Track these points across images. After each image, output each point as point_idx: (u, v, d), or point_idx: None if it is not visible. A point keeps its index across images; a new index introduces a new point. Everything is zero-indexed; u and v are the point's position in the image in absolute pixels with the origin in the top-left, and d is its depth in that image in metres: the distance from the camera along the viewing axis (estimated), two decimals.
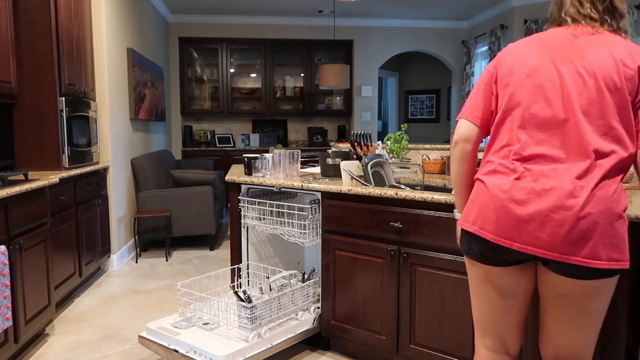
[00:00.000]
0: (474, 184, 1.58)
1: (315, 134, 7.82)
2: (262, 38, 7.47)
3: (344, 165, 2.62)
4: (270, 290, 2.68)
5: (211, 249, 5.02)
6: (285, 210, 2.81)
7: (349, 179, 2.59)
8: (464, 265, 2.16)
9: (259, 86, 7.58)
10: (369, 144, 3.10)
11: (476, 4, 6.76)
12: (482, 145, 1.77)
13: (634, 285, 1.74)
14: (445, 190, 2.77)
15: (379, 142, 3.38)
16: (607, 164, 1.39)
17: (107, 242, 4.21)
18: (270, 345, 2.46)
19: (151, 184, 4.89)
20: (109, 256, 4.29)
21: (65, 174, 3.31)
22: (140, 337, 2.56)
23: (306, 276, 2.85)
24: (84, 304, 3.51)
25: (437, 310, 2.26)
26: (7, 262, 2.40)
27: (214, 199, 4.96)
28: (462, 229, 1.57)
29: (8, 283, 2.41)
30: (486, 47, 7.11)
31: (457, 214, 1.72)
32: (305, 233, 2.70)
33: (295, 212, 2.76)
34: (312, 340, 2.78)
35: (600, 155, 1.40)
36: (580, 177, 1.39)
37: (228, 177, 3.00)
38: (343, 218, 2.53)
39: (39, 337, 2.94)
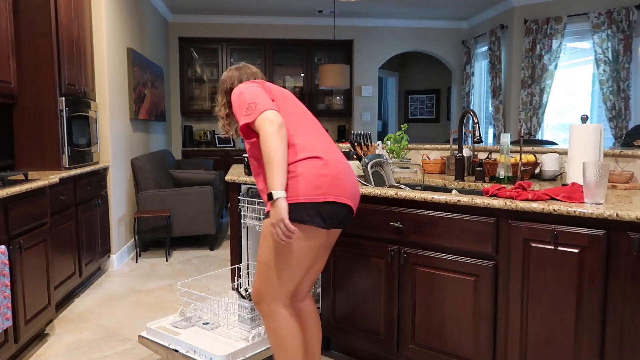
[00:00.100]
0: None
1: None
2: (262, 38, 7.47)
3: None
4: None
5: (211, 249, 5.02)
6: None
7: None
8: (464, 266, 2.16)
9: None
10: (369, 144, 3.10)
11: (476, 4, 6.76)
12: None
13: None
14: (445, 190, 2.76)
15: (379, 142, 3.38)
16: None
17: (107, 242, 4.21)
18: (270, 345, 2.45)
19: (151, 184, 4.89)
20: (109, 256, 4.29)
21: (65, 174, 3.31)
22: (140, 337, 2.56)
23: None
24: (84, 304, 3.51)
25: (437, 310, 2.26)
26: (7, 262, 2.40)
27: (214, 199, 4.96)
28: (318, 202, 1.83)
29: (8, 283, 2.41)
30: (486, 47, 7.11)
31: (280, 193, 1.78)
32: None
33: None
34: None
35: None
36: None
37: (228, 177, 3.00)
38: None
39: (39, 337, 2.94)
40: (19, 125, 3.45)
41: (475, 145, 3.15)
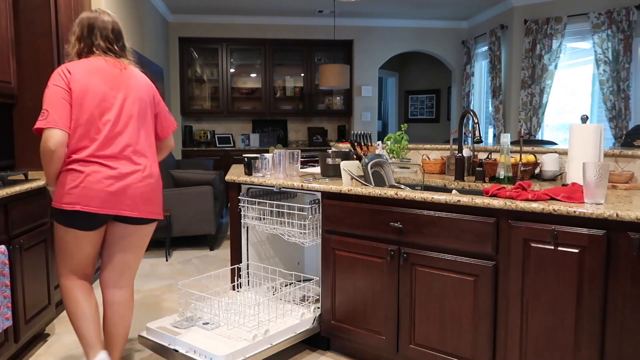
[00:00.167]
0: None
1: (315, 134, 7.82)
2: (262, 38, 7.47)
3: (344, 165, 2.62)
4: (274, 290, 2.68)
5: (211, 249, 5.02)
6: (285, 210, 2.81)
7: (349, 179, 2.59)
8: (464, 266, 2.16)
9: (259, 86, 7.58)
10: (369, 144, 3.10)
11: (476, 4, 6.76)
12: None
13: None
14: (446, 190, 2.77)
15: (379, 142, 3.38)
16: None
17: None
18: (270, 345, 2.46)
19: None
20: None
21: None
22: (140, 336, 2.56)
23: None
24: None
25: (437, 310, 2.26)
26: (7, 262, 2.40)
27: (214, 199, 4.96)
28: (67, 210, 2.06)
29: (8, 283, 2.40)
30: (486, 47, 7.11)
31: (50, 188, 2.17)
32: (305, 233, 2.70)
33: (295, 212, 2.76)
34: (312, 340, 2.78)
35: None
36: None
37: (228, 177, 3.00)
38: (343, 218, 2.53)
39: (39, 337, 2.94)
40: (19, 125, 3.44)
41: (475, 145, 3.15)
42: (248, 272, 3.04)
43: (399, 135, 3.38)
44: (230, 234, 3.07)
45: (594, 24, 5.70)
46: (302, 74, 7.66)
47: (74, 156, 2.07)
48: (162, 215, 2.29)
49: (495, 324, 2.11)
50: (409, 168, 3.34)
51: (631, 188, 2.37)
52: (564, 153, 2.80)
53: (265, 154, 3.00)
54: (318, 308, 2.74)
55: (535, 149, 3.01)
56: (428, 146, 3.51)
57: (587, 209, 1.84)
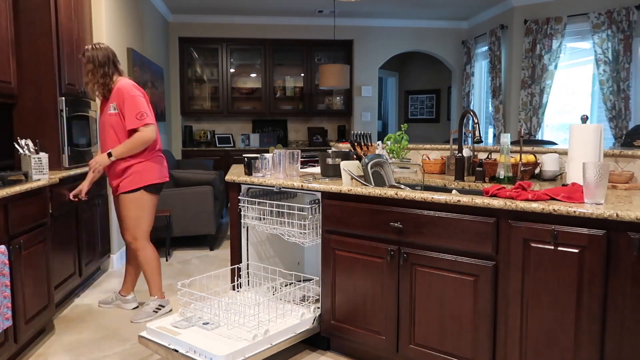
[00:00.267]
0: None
1: (315, 134, 7.82)
2: (262, 38, 7.47)
3: (344, 165, 2.62)
4: (274, 290, 2.68)
5: (211, 249, 5.02)
6: (285, 210, 2.81)
7: (349, 179, 2.59)
8: (464, 266, 2.16)
9: (259, 86, 7.58)
10: (369, 144, 3.10)
11: (476, 4, 6.76)
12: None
13: None
14: (446, 190, 2.76)
15: (379, 142, 3.38)
16: None
17: (107, 242, 4.21)
18: (270, 345, 2.46)
19: None
20: (109, 256, 4.28)
21: (65, 173, 3.31)
22: (140, 336, 2.56)
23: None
24: (84, 304, 3.51)
25: (437, 310, 2.26)
26: (7, 262, 2.40)
27: (214, 199, 4.96)
28: (161, 182, 3.17)
29: (8, 283, 2.41)
30: (486, 47, 7.11)
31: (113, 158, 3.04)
32: (305, 233, 2.70)
33: (295, 212, 2.76)
34: (312, 340, 2.78)
35: None
36: None
37: (228, 177, 3.00)
38: (343, 218, 2.53)
39: (38, 337, 2.94)
40: (19, 125, 3.44)
41: (475, 145, 3.15)
42: (248, 272, 3.04)
43: (399, 135, 3.38)
44: (230, 234, 3.07)
45: (594, 24, 5.70)
46: (302, 74, 7.66)
47: (157, 147, 3.14)
48: None
49: (495, 324, 2.11)
50: (409, 168, 3.34)
51: (631, 188, 2.37)
52: (564, 153, 2.80)
53: (265, 154, 3.00)
54: (318, 308, 2.74)
55: (535, 149, 3.01)
56: (428, 146, 3.51)
57: (587, 209, 1.85)
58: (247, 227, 3.01)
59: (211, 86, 7.57)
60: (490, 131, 7.22)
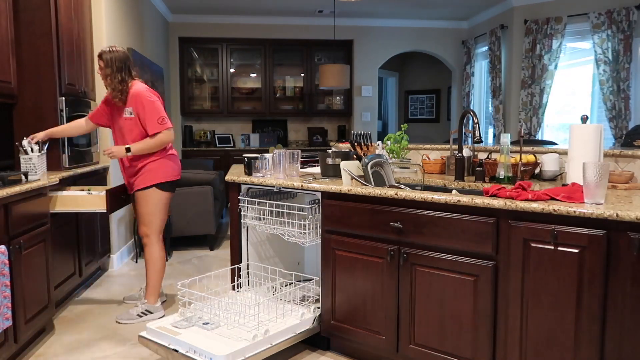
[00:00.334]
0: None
1: (315, 134, 7.82)
2: (262, 38, 7.47)
3: (344, 165, 2.62)
4: (274, 290, 2.68)
5: (211, 249, 5.02)
6: (285, 210, 2.81)
7: (349, 179, 2.59)
8: (464, 266, 2.16)
9: (259, 86, 7.58)
10: (369, 144, 3.10)
11: (476, 4, 6.76)
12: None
13: None
14: (446, 190, 2.76)
15: (379, 142, 3.38)
16: None
17: (107, 242, 4.21)
18: (270, 345, 2.46)
19: None
20: (109, 256, 4.28)
21: (65, 173, 3.31)
22: (140, 336, 2.56)
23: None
24: (84, 304, 3.51)
25: (437, 310, 2.26)
26: (7, 262, 2.40)
27: (214, 199, 4.96)
28: (174, 179, 3.26)
29: (8, 283, 2.41)
30: (486, 47, 7.11)
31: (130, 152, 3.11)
32: (305, 233, 2.70)
33: (295, 212, 2.76)
34: (312, 340, 2.78)
35: None
36: None
37: (228, 177, 3.00)
38: (343, 218, 2.53)
39: (38, 337, 2.94)
40: (19, 125, 3.44)
41: (475, 145, 3.15)
42: (248, 272, 3.04)
43: (399, 135, 3.38)
44: (230, 234, 3.07)
45: (594, 24, 5.70)
46: (302, 74, 7.66)
47: (169, 146, 3.25)
48: None
49: (495, 324, 2.11)
50: (409, 168, 3.34)
51: (631, 188, 2.37)
52: (564, 153, 2.80)
53: (265, 154, 3.00)
54: (318, 308, 2.74)
55: (535, 149, 3.01)
56: (428, 146, 3.51)
57: (587, 209, 1.84)
58: (247, 227, 3.01)
59: (211, 86, 7.57)
60: (490, 131, 7.22)
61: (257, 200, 2.89)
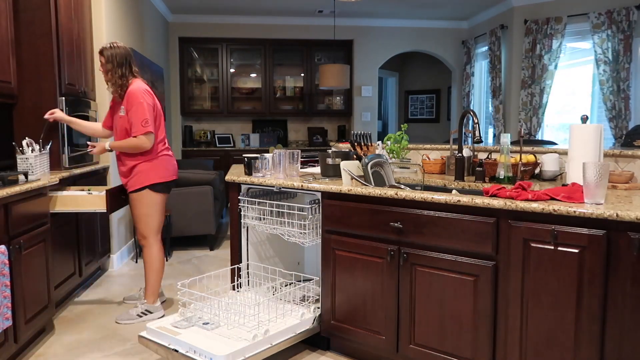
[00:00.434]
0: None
1: (315, 134, 7.82)
2: (262, 38, 7.47)
3: (344, 165, 2.62)
4: (274, 290, 2.68)
5: (211, 249, 5.02)
6: (285, 210, 2.81)
7: (349, 179, 2.59)
8: (464, 266, 2.16)
9: (259, 86, 7.58)
10: (369, 144, 3.10)
11: (476, 4, 6.76)
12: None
13: None
14: (446, 190, 2.76)
15: (379, 142, 3.38)
16: None
17: (107, 242, 4.21)
18: (270, 345, 2.46)
19: None
20: (109, 256, 4.28)
21: (65, 173, 3.31)
22: (140, 336, 2.56)
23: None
24: (84, 304, 3.51)
25: (437, 310, 2.26)
26: (7, 262, 2.40)
27: (214, 199, 4.96)
28: (168, 180, 3.22)
29: (8, 283, 2.41)
30: (486, 47, 7.11)
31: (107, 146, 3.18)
32: (305, 233, 2.70)
33: (295, 212, 2.76)
34: (312, 340, 2.78)
35: None
36: None
37: (228, 177, 3.00)
38: (343, 218, 2.53)
39: (38, 337, 2.94)
40: (19, 125, 3.44)
41: (475, 145, 3.15)
42: (248, 272, 3.04)
43: (399, 135, 3.38)
44: (230, 234, 3.07)
45: (594, 24, 5.70)
46: (302, 74, 7.66)
47: (164, 146, 3.22)
48: None
49: (495, 324, 2.11)
50: (409, 168, 3.34)
51: (631, 188, 2.37)
52: (564, 153, 2.80)
53: (265, 154, 3.00)
54: (318, 308, 2.74)
55: (535, 149, 3.01)
56: (428, 146, 3.51)
57: (587, 209, 1.85)
58: (247, 227, 3.01)
59: (211, 86, 7.57)
60: (490, 131, 7.22)
61: (257, 200, 2.89)
